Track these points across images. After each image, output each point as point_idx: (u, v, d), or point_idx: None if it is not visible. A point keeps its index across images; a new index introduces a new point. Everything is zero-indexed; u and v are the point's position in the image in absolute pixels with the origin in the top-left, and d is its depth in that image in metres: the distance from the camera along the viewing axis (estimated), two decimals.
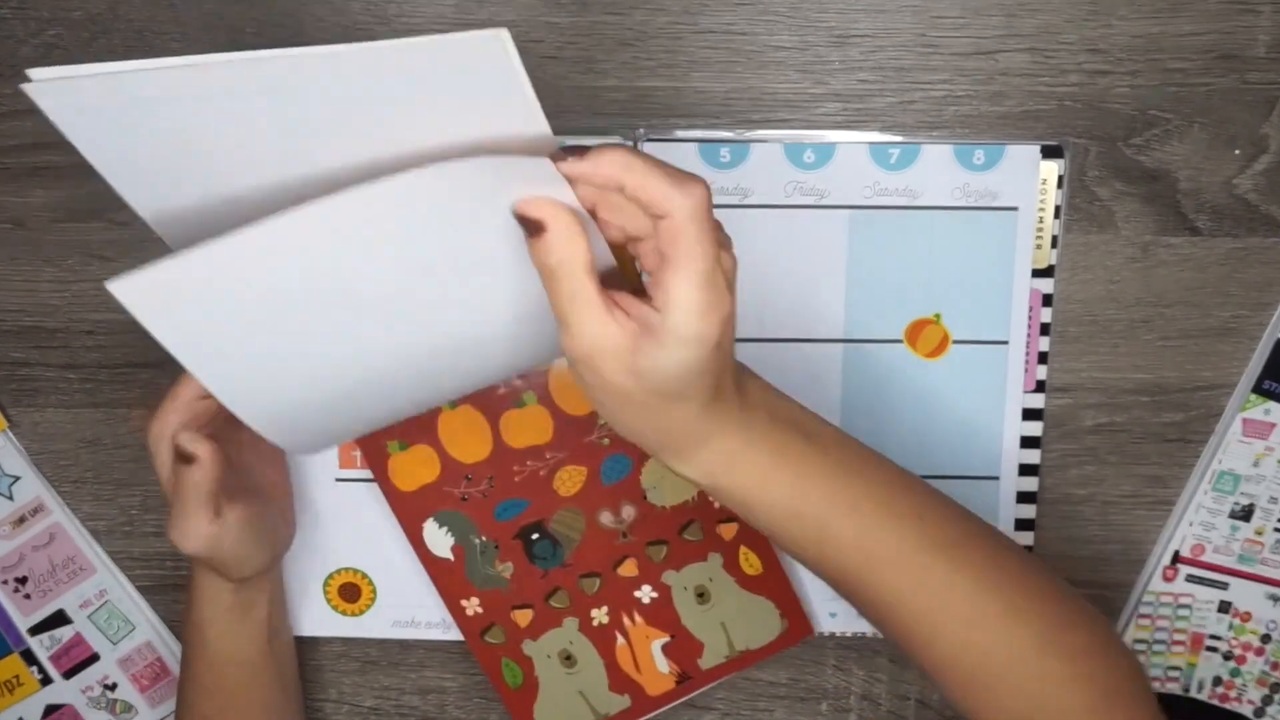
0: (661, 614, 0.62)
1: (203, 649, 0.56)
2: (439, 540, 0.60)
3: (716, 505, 0.60)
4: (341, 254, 0.40)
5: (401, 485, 0.59)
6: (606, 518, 0.60)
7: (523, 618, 0.61)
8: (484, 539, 0.60)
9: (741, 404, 0.42)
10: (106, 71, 0.37)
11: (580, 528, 0.60)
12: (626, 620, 0.62)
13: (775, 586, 0.61)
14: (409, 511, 0.60)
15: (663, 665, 0.62)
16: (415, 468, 0.59)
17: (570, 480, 0.59)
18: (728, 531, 0.60)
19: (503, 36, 0.37)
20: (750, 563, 0.61)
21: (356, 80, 0.38)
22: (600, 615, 0.61)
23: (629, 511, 0.60)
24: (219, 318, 0.41)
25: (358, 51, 0.37)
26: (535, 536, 0.60)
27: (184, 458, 0.51)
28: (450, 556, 0.60)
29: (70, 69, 0.37)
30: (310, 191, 0.43)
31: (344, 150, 0.41)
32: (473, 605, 0.61)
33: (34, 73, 0.37)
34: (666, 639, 0.62)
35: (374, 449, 0.59)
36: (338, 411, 0.49)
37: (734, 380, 0.42)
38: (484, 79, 0.39)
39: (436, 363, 0.46)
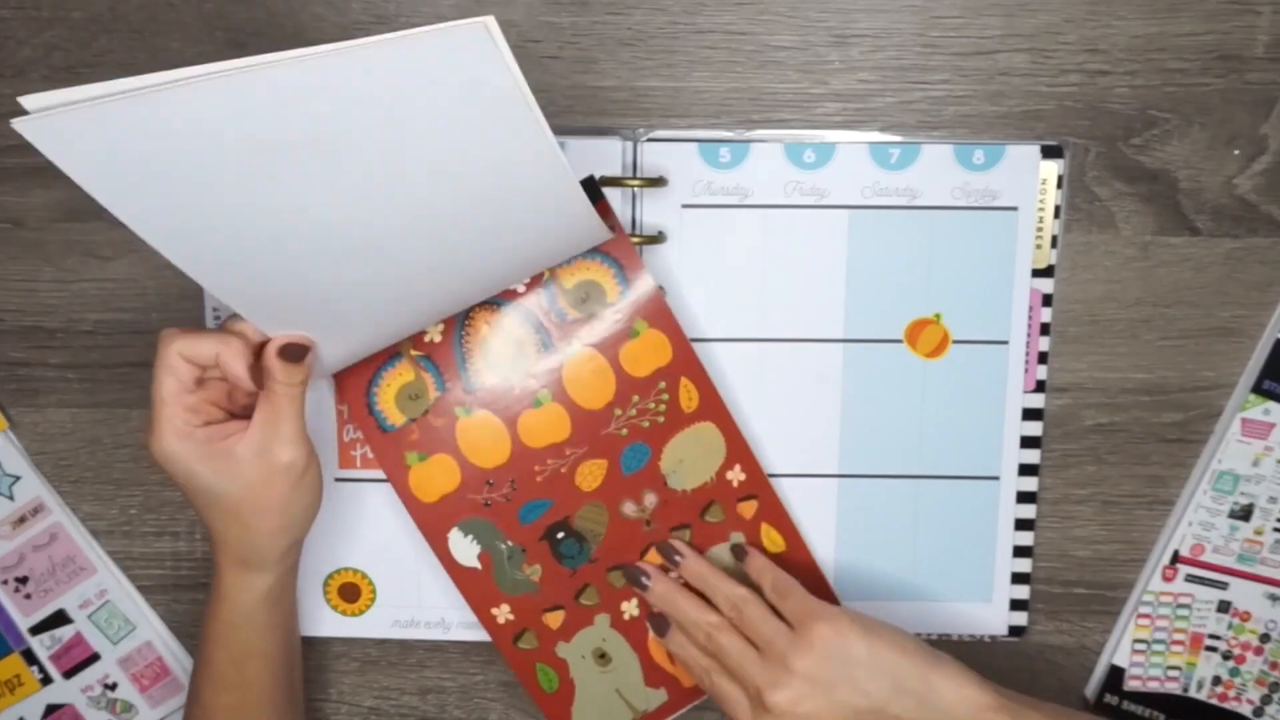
0: None
1: (229, 642, 0.55)
2: (465, 549, 0.59)
3: (735, 484, 0.60)
4: (283, 118, 0.39)
5: (423, 497, 0.58)
6: (629, 508, 0.60)
7: (554, 620, 0.61)
8: (510, 544, 0.59)
9: None
10: (92, 97, 0.36)
11: (604, 521, 0.59)
12: None
13: (799, 563, 0.61)
14: (432, 523, 0.59)
15: None
16: (435, 478, 0.58)
17: (591, 474, 0.59)
18: (748, 510, 0.60)
19: (489, 24, 0.36)
20: (773, 540, 0.61)
21: (344, 84, 0.38)
22: (631, 608, 0.61)
23: (650, 499, 0.60)
24: (152, 167, 0.39)
25: (340, 52, 0.36)
26: (560, 535, 0.59)
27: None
28: (477, 565, 0.60)
29: (60, 95, 0.36)
30: (317, 208, 0.43)
31: (343, 157, 0.41)
32: (503, 612, 0.60)
33: (27, 101, 0.36)
34: None
35: (393, 462, 0.58)
36: (333, 305, 0.47)
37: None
38: (474, 71, 0.38)
39: (429, 255, 0.46)
